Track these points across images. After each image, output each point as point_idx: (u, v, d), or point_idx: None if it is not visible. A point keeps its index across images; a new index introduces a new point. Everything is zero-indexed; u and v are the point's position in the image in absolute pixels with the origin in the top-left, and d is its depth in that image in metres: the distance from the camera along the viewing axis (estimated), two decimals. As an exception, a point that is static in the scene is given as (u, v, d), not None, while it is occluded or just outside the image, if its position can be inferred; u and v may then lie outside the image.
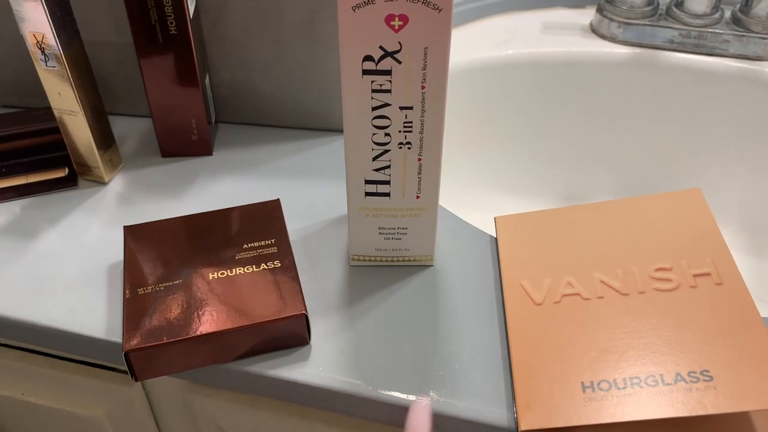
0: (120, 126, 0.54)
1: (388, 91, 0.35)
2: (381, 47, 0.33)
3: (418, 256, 0.42)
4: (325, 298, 0.41)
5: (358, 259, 0.42)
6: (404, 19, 0.32)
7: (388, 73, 0.34)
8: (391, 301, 0.40)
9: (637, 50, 0.61)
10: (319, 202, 0.47)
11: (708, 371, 0.32)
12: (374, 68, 0.34)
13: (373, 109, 0.35)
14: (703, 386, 0.32)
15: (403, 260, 0.42)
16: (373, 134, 0.36)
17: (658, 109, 0.62)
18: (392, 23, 0.33)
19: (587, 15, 0.66)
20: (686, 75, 0.60)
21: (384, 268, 0.42)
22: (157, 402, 0.47)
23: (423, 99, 0.35)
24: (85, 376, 0.46)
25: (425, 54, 0.33)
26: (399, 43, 0.33)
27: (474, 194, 0.64)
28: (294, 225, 0.45)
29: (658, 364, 0.33)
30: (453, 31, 0.66)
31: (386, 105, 0.35)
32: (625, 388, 0.32)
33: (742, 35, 0.59)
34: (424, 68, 0.34)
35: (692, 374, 0.32)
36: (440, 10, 0.32)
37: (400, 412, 0.36)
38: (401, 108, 0.35)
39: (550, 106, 0.64)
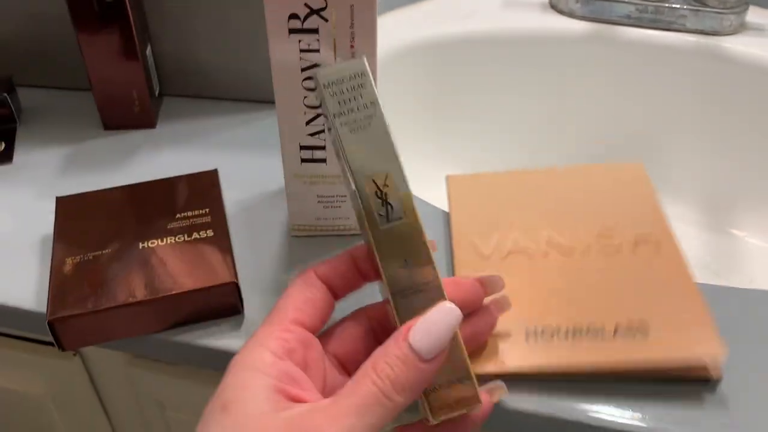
0: (63, 99, 0.53)
1: (317, 50, 0.34)
2: (306, 5, 0.32)
3: (359, 225, 0.41)
4: (262, 268, 0.40)
5: (299, 229, 0.41)
6: (328, -26, 0.32)
7: (315, 32, 0.33)
8: (330, 270, 0.40)
9: (595, 25, 0.60)
10: (263, 173, 0.46)
11: (645, 324, 0.33)
12: (300, 27, 0.33)
13: (303, 70, 0.35)
14: (640, 339, 0.32)
15: (345, 229, 0.41)
16: (305, 97, 0.36)
17: (616, 84, 0.62)
18: (316, -21, 0.32)
19: (547, -9, 0.66)
20: (644, 50, 0.60)
21: (325, 238, 0.42)
22: (98, 376, 0.46)
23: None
24: (23, 351, 0.45)
25: (352, 11, 0.33)
26: (324, 0, 0.32)
27: (431, 169, 0.64)
28: (236, 196, 0.44)
29: (596, 319, 0.33)
30: (413, 7, 0.65)
31: (316, 65, 0.34)
32: (566, 338, 0.33)
33: (698, 10, 0.58)
34: (351, 26, 0.33)
35: (630, 329, 0.33)
36: (365, -34, 0.31)
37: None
38: (331, 69, 0.34)
39: (509, 81, 0.63)
